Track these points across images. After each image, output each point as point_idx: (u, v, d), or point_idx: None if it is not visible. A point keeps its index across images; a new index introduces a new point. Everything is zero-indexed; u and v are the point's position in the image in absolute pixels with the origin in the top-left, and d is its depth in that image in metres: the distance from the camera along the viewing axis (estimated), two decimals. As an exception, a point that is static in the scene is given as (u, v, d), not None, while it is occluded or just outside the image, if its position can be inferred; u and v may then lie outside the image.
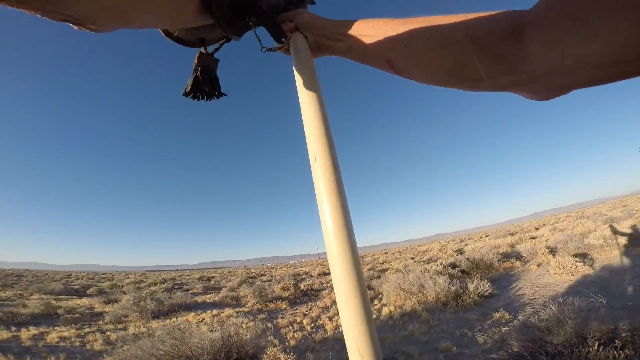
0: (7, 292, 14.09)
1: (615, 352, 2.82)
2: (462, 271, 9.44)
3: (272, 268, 48.55)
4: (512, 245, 13.35)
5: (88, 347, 5.77)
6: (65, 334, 6.53)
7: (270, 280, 16.88)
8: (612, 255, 7.58)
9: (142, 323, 7.76)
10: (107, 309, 9.55)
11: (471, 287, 6.68)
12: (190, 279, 25.69)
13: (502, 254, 11.08)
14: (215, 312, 8.77)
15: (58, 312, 8.67)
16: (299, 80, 0.56)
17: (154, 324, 7.66)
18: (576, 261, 7.01)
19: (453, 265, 10.00)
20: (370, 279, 12.00)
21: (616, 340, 2.98)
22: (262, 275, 25.37)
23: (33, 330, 6.69)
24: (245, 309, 9.01)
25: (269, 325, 6.99)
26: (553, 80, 0.34)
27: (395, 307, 6.94)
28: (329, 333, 5.93)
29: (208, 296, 12.80)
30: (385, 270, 14.99)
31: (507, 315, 5.16)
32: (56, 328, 7.14)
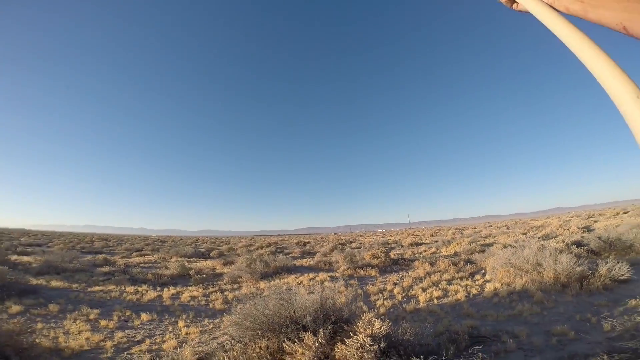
0: (154, 256, 18.05)
1: None
2: (590, 251, 7.85)
3: (360, 235, 49.79)
4: None
5: (211, 306, 6.81)
6: (195, 293, 7.83)
7: (359, 248, 17.31)
8: None
9: (252, 283, 8.92)
10: (225, 270, 11.21)
11: (603, 269, 5.50)
12: (290, 244, 28.45)
13: (647, 234, 8.78)
14: (311, 275, 9.50)
15: (190, 273, 10.48)
16: (555, 30, 0.64)
17: (262, 284, 8.72)
18: None
19: (578, 244, 8.38)
20: (472, 253, 11.11)
21: None
22: (351, 242, 26.27)
23: (172, 290, 8.18)
24: (337, 274, 9.48)
25: (359, 291, 7.19)
26: None
27: (502, 284, 6.26)
28: (421, 304, 5.76)
29: (305, 260, 13.93)
30: (489, 244, 13.64)
31: None
32: (188, 288, 8.67)
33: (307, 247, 22.78)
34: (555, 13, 0.65)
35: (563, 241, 8.98)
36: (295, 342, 3.32)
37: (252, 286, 8.55)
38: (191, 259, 16.61)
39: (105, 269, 10.75)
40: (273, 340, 3.56)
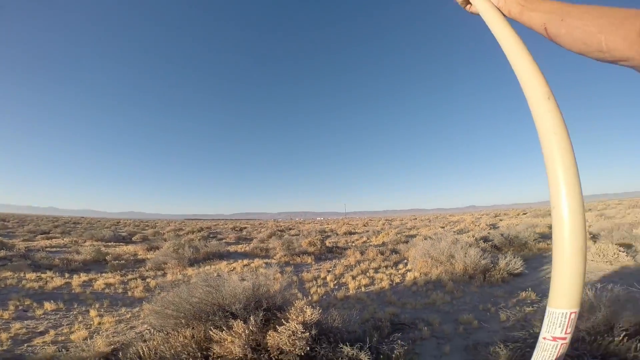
0: (65, 239, 15.86)
1: (638, 344, 2.63)
2: (494, 246, 9.14)
3: (299, 223, 50.53)
4: (550, 227, 12.89)
5: (129, 294, 6.27)
6: (111, 280, 7.09)
7: (298, 235, 17.58)
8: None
9: (179, 270, 8.41)
10: (149, 256, 10.39)
11: (502, 263, 6.45)
12: (225, 229, 27.49)
13: (539, 233, 10.58)
14: (245, 261, 9.34)
15: (106, 258, 9.43)
16: (496, 36, 0.68)
17: (190, 271, 8.28)
18: (619, 250, 6.52)
19: (485, 239, 9.69)
20: (397, 243, 12.05)
21: (643, 334, 2.74)
22: (290, 229, 26.49)
23: (83, 277, 7.30)
24: (274, 261, 9.49)
25: (295, 278, 7.32)
26: None
27: (421, 274, 6.93)
28: (351, 292, 6.10)
29: (240, 246, 13.63)
30: (413, 236, 14.95)
31: (533, 296, 5.05)
32: (103, 274, 7.80)
33: (244, 233, 22.32)
34: (502, 17, 0.69)
35: (473, 236, 10.26)
36: (223, 330, 3.24)
37: (178, 273, 8.09)
38: (109, 244, 15.04)
39: (1, 253, 9.14)
40: (199, 329, 3.43)
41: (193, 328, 3.42)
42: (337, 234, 20.62)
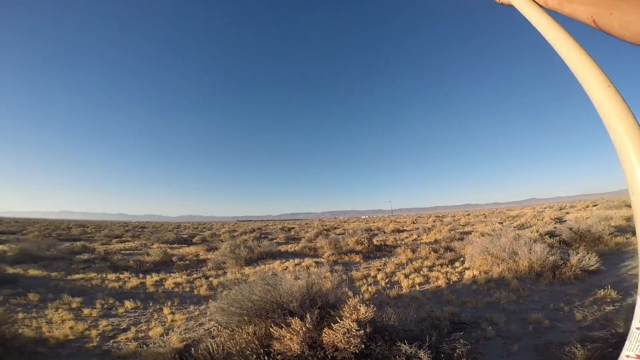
0: (135, 242, 17.74)
1: None
2: (562, 241, 8.26)
3: (344, 222, 50.47)
4: (628, 219, 11.41)
5: (196, 292, 6.76)
6: (178, 279, 7.73)
7: (344, 234, 17.57)
8: None
9: (237, 269, 8.92)
10: (209, 256, 11.16)
11: (574, 259, 5.82)
12: (274, 229, 28.51)
13: (614, 227, 9.36)
14: (297, 260, 9.59)
15: (172, 259, 10.35)
16: (534, 22, 0.69)
17: (247, 270, 8.74)
18: None
19: (551, 234, 8.82)
20: (451, 241, 11.49)
21: None
22: (335, 228, 26.58)
23: (155, 277, 8.05)
24: (322, 260, 9.63)
25: (344, 277, 7.34)
26: None
27: (480, 272, 6.54)
28: (404, 290, 5.95)
29: (289, 246, 14.03)
30: (468, 232, 14.14)
31: (614, 294, 4.51)
32: (171, 274, 8.55)
33: (292, 233, 22.91)
34: (536, 6, 0.69)
35: (537, 231, 9.41)
36: (282, 327, 3.36)
37: (236, 272, 8.56)
38: (173, 245, 16.45)
39: (85, 256, 10.50)
40: (260, 326, 3.59)
41: (255, 325, 3.58)
42: (385, 232, 20.23)
